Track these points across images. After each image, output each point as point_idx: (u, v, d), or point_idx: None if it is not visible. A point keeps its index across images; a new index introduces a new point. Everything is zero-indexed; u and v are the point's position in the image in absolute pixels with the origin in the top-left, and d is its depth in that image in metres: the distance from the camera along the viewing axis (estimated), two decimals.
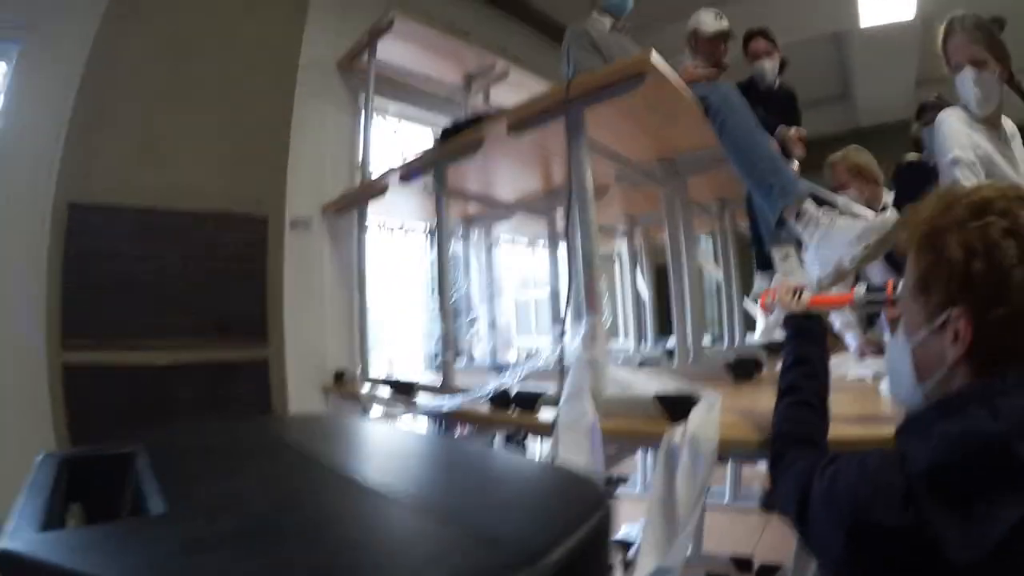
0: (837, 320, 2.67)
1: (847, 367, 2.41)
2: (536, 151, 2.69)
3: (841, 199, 2.14)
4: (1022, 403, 0.86)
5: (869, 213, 2.07)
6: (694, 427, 1.57)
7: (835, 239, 1.92)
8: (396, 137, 4.43)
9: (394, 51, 3.78)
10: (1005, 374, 0.92)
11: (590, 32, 2.84)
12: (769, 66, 3.67)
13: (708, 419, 1.58)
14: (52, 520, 0.82)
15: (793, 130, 3.36)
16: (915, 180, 2.46)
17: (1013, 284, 0.92)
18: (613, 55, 2.73)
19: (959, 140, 2.07)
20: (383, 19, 3.54)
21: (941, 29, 2.14)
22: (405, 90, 4.19)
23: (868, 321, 2.72)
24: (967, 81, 2.09)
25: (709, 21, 3.18)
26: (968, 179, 1.99)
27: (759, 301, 1.78)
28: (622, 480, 3.91)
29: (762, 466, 1.31)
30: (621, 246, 4.18)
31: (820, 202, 2.10)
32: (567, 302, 2.03)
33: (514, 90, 4.21)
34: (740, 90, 3.11)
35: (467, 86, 4.34)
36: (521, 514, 0.79)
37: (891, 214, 1.92)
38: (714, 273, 3.59)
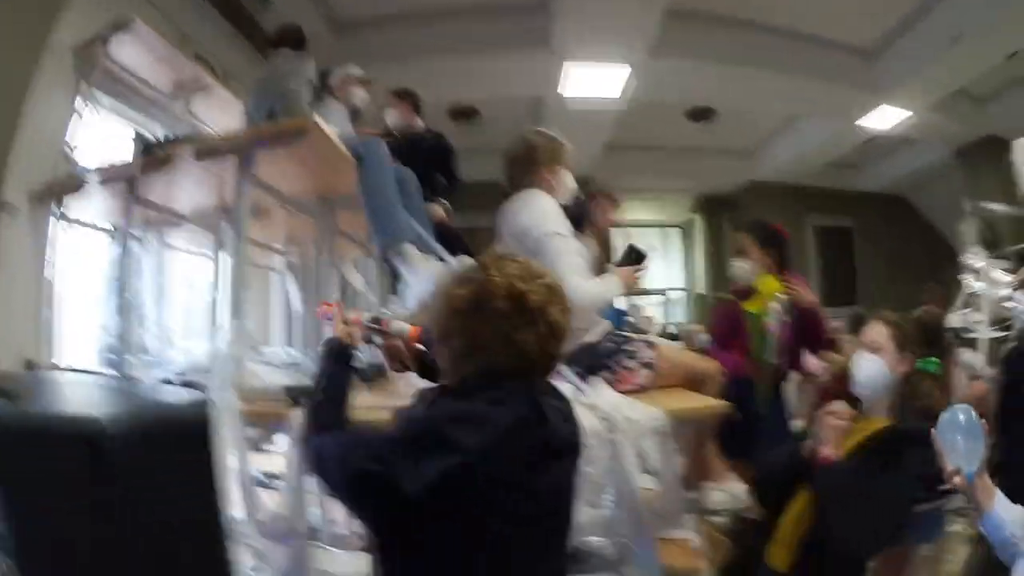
0: None
1: None
2: (214, 174, 2.99)
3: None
4: (454, 403, 1.35)
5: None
6: None
7: (420, 278, 2.54)
8: (100, 131, 4.42)
9: (124, 48, 3.80)
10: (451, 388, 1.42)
11: (294, 62, 3.26)
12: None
13: None
14: None
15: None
16: None
17: (516, 342, 1.35)
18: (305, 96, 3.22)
19: (557, 215, 2.43)
20: (125, 16, 3.61)
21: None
22: (122, 87, 4.14)
23: None
24: None
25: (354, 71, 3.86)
26: (568, 249, 2.34)
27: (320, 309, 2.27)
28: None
29: None
30: (280, 262, 4.46)
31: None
32: (221, 307, 2.46)
33: (217, 105, 4.45)
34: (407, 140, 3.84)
35: (175, 95, 4.39)
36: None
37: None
38: (361, 289, 4.09)
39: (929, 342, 2.19)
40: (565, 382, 2.18)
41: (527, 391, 1.37)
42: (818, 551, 1.96)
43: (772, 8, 7.18)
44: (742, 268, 3.41)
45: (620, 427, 1.87)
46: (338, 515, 2.93)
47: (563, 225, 2.39)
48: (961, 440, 1.75)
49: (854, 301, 11.45)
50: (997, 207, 8.67)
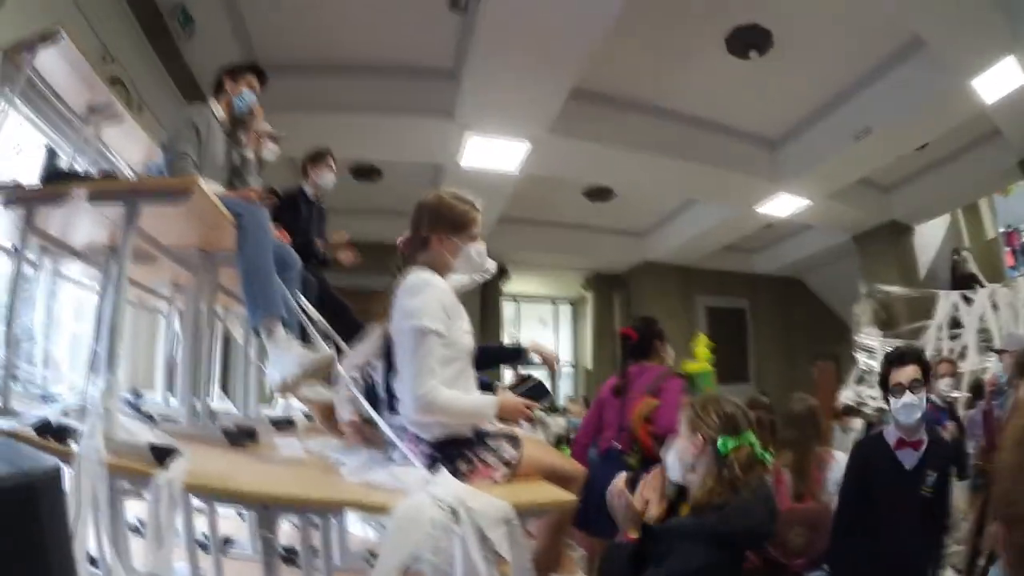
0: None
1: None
2: (105, 215, 2.94)
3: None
4: None
5: (323, 349, 2.74)
6: (172, 473, 2.09)
7: (285, 359, 2.60)
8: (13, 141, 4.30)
9: (47, 60, 3.63)
10: None
11: (196, 118, 3.26)
12: (331, 179, 4.62)
13: (181, 469, 2.11)
14: None
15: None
16: None
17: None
18: (208, 144, 3.25)
19: (439, 306, 2.34)
20: (53, 27, 3.46)
21: None
22: (39, 101, 4.12)
23: None
24: None
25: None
26: (435, 351, 2.27)
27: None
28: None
29: None
30: (165, 307, 4.37)
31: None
32: (95, 358, 2.43)
33: (125, 135, 4.37)
34: (292, 194, 4.15)
35: (87, 118, 4.21)
36: None
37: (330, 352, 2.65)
38: (241, 341, 4.06)
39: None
40: (413, 470, 2.25)
41: None
42: None
43: (678, 95, 7.51)
44: None
45: (462, 518, 1.92)
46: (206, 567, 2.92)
47: (441, 318, 2.32)
48: None
49: (746, 379, 11.94)
50: (892, 289, 9.19)
